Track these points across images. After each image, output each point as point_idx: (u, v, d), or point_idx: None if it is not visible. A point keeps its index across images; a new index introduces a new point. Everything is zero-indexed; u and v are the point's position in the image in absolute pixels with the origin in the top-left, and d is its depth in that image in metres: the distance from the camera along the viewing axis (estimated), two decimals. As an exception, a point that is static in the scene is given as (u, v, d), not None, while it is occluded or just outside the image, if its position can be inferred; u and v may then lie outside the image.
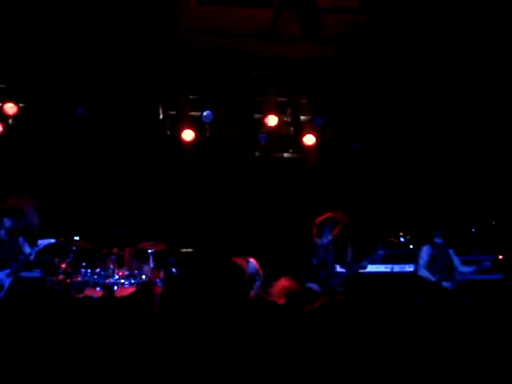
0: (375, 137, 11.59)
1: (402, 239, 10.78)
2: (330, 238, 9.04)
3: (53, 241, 8.92)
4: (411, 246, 10.82)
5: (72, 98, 10.79)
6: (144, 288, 9.96)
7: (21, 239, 8.80)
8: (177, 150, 11.53)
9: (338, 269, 9.10)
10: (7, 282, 8.49)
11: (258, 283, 9.68)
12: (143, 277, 10.24)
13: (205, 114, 11.15)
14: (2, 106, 10.69)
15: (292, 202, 11.91)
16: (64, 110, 10.92)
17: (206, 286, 9.52)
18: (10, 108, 10.71)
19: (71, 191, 11.55)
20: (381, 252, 9.09)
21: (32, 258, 8.73)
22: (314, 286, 8.80)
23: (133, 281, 10.17)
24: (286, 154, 12.16)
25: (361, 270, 9.26)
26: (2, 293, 8.39)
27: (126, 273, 10.26)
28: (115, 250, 10.30)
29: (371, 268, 9.82)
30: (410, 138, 11.47)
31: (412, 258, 9.42)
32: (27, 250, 8.71)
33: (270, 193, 12.00)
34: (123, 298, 9.71)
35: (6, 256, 8.59)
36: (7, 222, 8.69)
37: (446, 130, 11.23)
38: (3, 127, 10.85)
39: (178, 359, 6.86)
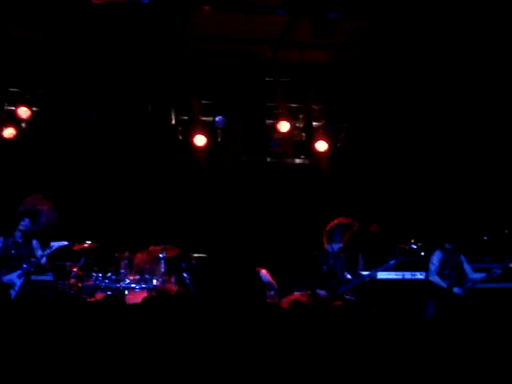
0: (387, 143, 11.57)
1: (413, 246, 10.72)
2: (341, 244, 9.02)
3: (65, 243, 8.97)
4: (422, 253, 10.76)
5: (84, 103, 10.86)
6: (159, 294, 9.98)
7: (34, 242, 8.84)
8: (188, 156, 11.58)
9: (348, 276, 9.07)
10: (18, 284, 8.54)
11: (272, 292, 9.70)
12: (154, 282, 10.26)
13: (217, 119, 11.19)
14: (15, 110, 10.80)
15: (303, 208, 11.90)
16: (76, 114, 10.99)
17: (223, 291, 9.55)
18: (24, 112, 10.81)
19: (83, 195, 11.58)
20: (392, 262, 9.10)
21: (44, 260, 8.77)
22: (322, 293, 8.78)
23: (144, 285, 10.20)
24: (297, 160, 12.17)
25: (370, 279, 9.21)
26: (14, 293, 8.44)
27: (137, 277, 10.28)
28: (126, 254, 10.33)
29: (382, 275, 9.79)
30: (422, 144, 11.44)
31: (423, 266, 9.38)
32: (40, 252, 8.75)
33: (280, 199, 11.99)
34: (135, 304, 9.74)
35: (19, 258, 8.64)
36: (23, 224, 8.73)
37: (460, 137, 11.19)
38: (16, 131, 10.95)
39: (192, 364, 6.87)
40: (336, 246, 8.96)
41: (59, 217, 9.31)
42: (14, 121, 10.91)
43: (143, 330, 7.74)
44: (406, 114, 11.24)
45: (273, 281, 9.76)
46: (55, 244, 8.77)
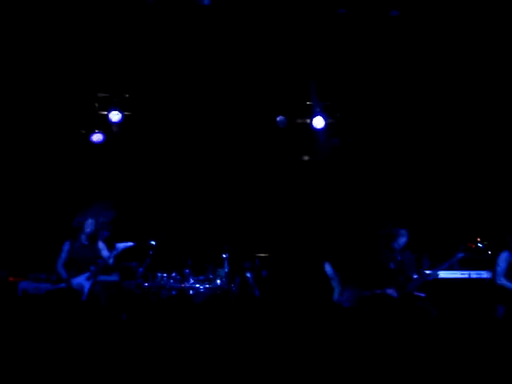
0: (448, 139, 11.39)
1: (479, 245, 10.51)
2: (406, 240, 8.91)
3: (131, 244, 9.08)
4: (489, 252, 10.54)
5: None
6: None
7: (100, 243, 8.98)
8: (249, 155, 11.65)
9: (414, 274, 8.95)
10: (87, 286, 8.69)
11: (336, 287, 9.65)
12: (218, 281, 10.36)
13: (279, 118, 11.22)
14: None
15: (363, 205, 11.80)
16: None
17: (288, 288, 9.58)
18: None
19: (151, 197, 11.77)
20: (459, 256, 8.87)
21: (111, 261, 8.88)
22: (391, 291, 8.66)
23: (207, 285, 10.31)
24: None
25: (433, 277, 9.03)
26: (84, 296, 8.60)
27: (201, 277, 10.40)
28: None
29: (447, 274, 9.65)
30: (487, 139, 11.22)
31: (490, 264, 9.18)
32: (106, 254, 8.88)
33: (343, 196, 11.92)
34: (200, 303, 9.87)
35: (86, 260, 8.79)
36: (88, 225, 8.87)
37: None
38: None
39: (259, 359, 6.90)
40: (402, 241, 8.84)
41: (124, 220, 9.49)
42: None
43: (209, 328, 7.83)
44: (460, 104, 11.05)
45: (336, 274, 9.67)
46: (121, 245, 8.89)
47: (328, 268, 9.44)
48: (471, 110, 11.00)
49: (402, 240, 8.82)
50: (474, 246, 10.65)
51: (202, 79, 10.70)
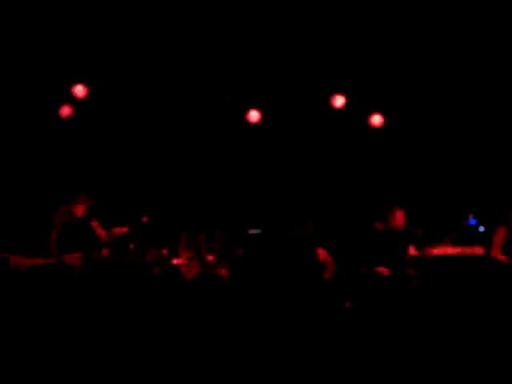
0: (443, 115, 11.36)
1: (472, 220, 10.51)
2: (398, 220, 8.94)
3: (125, 230, 9.11)
4: (482, 228, 10.55)
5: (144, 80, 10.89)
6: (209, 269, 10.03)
7: (93, 220, 8.94)
8: (243, 132, 11.56)
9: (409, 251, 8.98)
10: (80, 262, 8.65)
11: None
12: (209, 258, 10.31)
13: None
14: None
15: (357, 184, 11.78)
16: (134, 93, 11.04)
17: (277, 268, 9.53)
18: (80, 91, 10.85)
19: (139, 174, 11.67)
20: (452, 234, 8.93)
21: (104, 238, 8.88)
22: (384, 270, 8.72)
23: (198, 262, 10.26)
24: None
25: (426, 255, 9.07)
26: (76, 272, 8.56)
27: (192, 254, 10.34)
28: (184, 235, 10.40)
29: (441, 250, 9.64)
30: (481, 112, 11.19)
31: (483, 240, 9.19)
32: (99, 230, 8.87)
33: (336, 176, 11.90)
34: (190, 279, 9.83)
35: (79, 236, 8.76)
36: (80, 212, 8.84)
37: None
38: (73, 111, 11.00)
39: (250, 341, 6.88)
40: (393, 221, 8.88)
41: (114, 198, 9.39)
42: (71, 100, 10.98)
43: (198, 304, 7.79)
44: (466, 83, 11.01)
45: (330, 259, 9.67)
46: (117, 230, 8.95)
47: (321, 252, 9.44)
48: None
49: (394, 220, 8.86)
50: (465, 223, 10.66)
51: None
